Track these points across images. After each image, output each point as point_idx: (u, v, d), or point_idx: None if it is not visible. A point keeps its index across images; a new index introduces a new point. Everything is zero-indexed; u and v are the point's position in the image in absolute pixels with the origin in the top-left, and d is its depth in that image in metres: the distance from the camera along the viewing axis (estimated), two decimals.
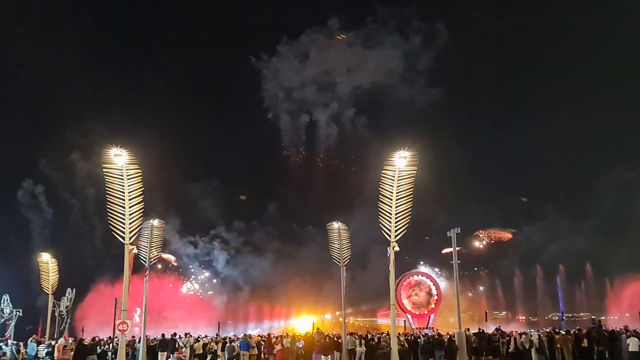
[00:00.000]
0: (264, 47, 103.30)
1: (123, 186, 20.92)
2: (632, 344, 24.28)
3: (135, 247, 22.13)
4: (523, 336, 30.74)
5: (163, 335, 30.32)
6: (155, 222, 29.38)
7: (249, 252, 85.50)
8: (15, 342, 31.95)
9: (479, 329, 36.45)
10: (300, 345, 30.76)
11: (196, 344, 28.14)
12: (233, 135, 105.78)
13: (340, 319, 34.15)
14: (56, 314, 35.35)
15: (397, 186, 21.05)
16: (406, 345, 26.30)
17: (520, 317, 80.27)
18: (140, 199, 21.32)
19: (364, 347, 27.44)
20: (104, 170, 21.00)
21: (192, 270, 77.91)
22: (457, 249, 29.92)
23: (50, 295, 34.03)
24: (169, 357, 25.56)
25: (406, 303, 59.67)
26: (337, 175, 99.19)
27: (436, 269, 71.63)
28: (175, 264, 75.39)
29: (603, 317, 61.99)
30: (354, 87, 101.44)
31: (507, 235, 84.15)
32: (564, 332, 31.72)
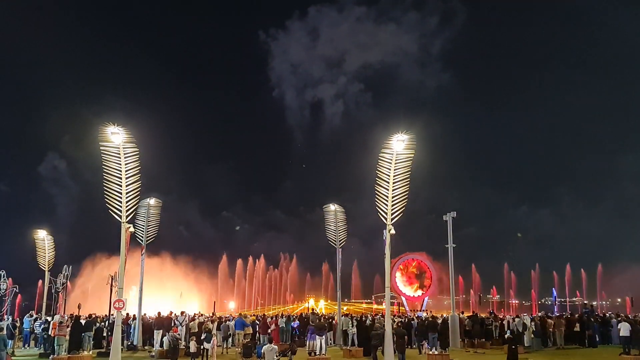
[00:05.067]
0: (273, 22, 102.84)
1: (120, 164, 20.79)
2: (623, 329, 24.57)
3: (131, 225, 22.06)
4: (516, 319, 31.06)
5: (159, 313, 30.50)
6: (152, 201, 29.40)
7: (265, 231, 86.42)
8: (11, 317, 32.15)
9: (473, 312, 36.80)
10: (295, 326, 31.03)
11: (192, 322, 28.32)
12: (243, 115, 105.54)
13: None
14: (53, 291, 35.44)
15: (395, 169, 20.91)
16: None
17: (514, 301, 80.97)
18: (137, 177, 21.19)
19: (355, 329, 27.52)
20: (101, 148, 20.83)
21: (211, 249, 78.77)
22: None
23: (46, 272, 34.09)
24: (165, 336, 25.73)
25: (401, 286, 59.97)
26: (343, 155, 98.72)
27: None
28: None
29: (595, 302, 62.57)
30: (362, 66, 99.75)
31: None
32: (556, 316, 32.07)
